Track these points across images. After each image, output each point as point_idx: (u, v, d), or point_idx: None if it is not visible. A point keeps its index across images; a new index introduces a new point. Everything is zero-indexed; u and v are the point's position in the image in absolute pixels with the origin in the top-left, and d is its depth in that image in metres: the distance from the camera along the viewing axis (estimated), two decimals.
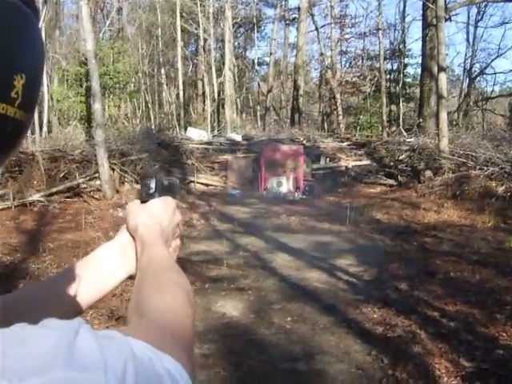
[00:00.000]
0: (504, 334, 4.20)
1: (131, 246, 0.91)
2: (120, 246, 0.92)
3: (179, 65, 26.58)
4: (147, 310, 0.65)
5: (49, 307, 0.80)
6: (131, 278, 0.90)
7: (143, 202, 0.98)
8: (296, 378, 3.65)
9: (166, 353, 0.48)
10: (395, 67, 29.81)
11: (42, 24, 0.56)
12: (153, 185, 1.00)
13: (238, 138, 17.44)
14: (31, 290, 0.89)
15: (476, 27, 29.27)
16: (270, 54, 33.61)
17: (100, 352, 0.40)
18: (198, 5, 26.80)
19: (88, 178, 11.52)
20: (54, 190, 10.77)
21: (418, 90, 24.27)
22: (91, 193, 11.33)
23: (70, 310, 0.83)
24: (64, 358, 0.37)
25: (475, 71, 29.76)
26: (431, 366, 3.69)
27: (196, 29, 28.88)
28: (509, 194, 10.49)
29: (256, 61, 34.97)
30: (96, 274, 0.88)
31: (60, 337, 0.39)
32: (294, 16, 31.58)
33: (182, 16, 27.11)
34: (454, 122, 23.36)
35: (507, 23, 28.69)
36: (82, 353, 0.39)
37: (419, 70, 23.59)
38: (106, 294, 0.90)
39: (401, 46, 28.97)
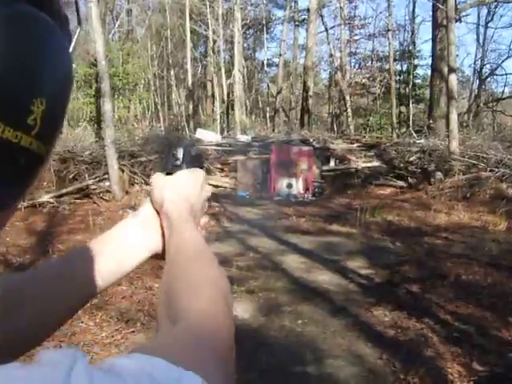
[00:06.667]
0: None
1: (156, 222, 0.83)
2: (143, 221, 0.84)
3: (188, 66, 26.66)
4: (179, 315, 0.59)
5: (64, 288, 0.74)
6: (155, 257, 0.84)
7: (168, 174, 0.88)
8: (307, 381, 3.62)
9: (197, 371, 0.43)
10: (405, 68, 29.77)
11: (72, 47, 0.49)
12: (180, 155, 0.91)
13: (248, 139, 17.42)
14: (45, 270, 0.80)
15: (486, 28, 29.12)
16: (280, 55, 33.66)
17: None
18: (208, 6, 26.90)
19: (97, 179, 11.54)
20: (64, 191, 10.79)
21: (427, 92, 24.18)
22: (101, 194, 11.33)
23: (87, 289, 0.76)
24: None
25: (485, 72, 29.60)
26: (443, 370, 3.66)
27: (205, 30, 29.01)
28: None
29: (265, 62, 35.18)
30: (119, 251, 0.80)
31: (51, 374, 0.34)
32: (303, 17, 31.65)
33: (191, 17, 27.22)
34: (465, 124, 23.22)
35: None
36: None
37: (429, 71, 23.49)
38: (127, 273, 0.82)
39: (410, 47, 28.92)
